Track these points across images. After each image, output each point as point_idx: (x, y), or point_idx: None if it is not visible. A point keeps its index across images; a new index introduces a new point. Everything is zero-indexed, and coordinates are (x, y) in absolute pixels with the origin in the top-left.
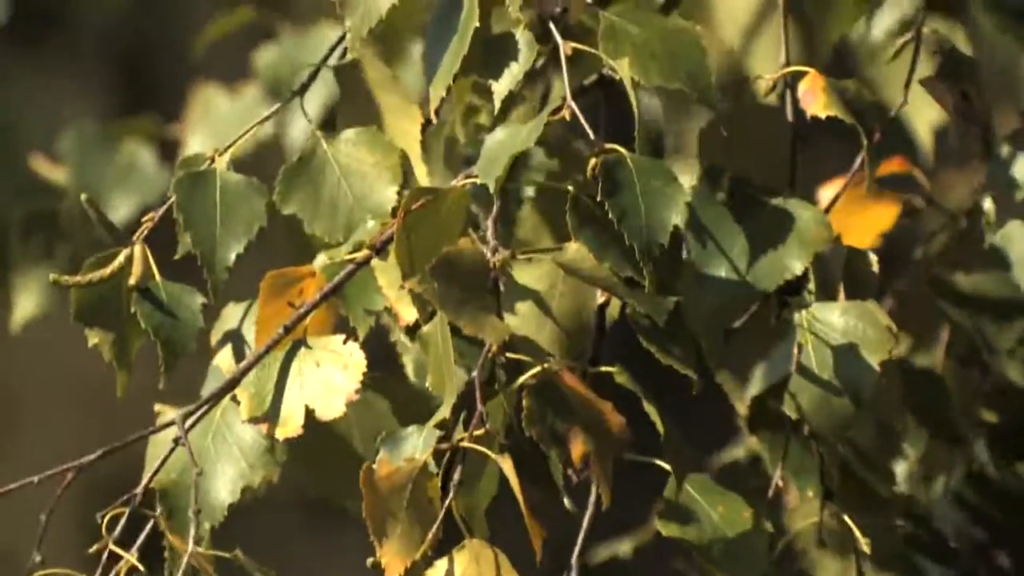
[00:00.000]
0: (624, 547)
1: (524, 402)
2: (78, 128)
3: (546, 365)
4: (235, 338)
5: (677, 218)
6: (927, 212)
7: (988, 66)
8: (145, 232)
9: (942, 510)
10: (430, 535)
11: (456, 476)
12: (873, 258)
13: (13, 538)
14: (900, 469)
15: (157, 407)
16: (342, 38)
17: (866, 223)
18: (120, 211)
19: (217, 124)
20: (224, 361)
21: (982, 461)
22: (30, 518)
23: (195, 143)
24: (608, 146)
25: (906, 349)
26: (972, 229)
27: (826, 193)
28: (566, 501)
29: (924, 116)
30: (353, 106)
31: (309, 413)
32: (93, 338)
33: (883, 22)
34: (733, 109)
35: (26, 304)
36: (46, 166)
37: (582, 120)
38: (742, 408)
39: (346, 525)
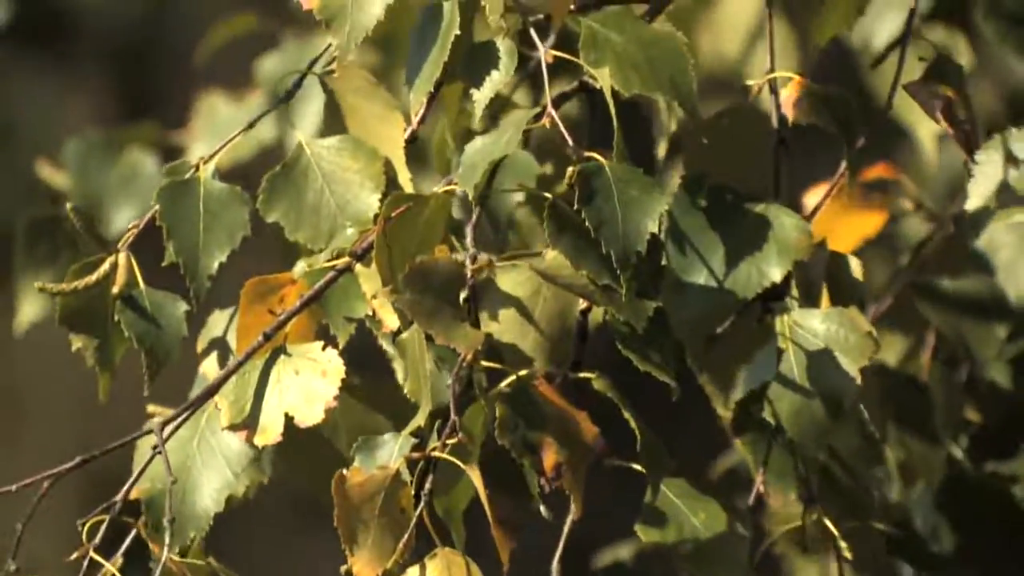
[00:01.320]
0: (626, 552)
1: (497, 411)
2: (81, 135)
3: (522, 373)
4: (220, 345)
5: (654, 226)
6: (915, 217)
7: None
8: (129, 240)
9: (922, 513)
10: (401, 544)
11: (427, 486)
12: (856, 263)
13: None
14: (881, 473)
15: (151, 408)
16: (328, 47)
17: (852, 228)
18: (122, 219)
19: (220, 131)
20: (210, 368)
21: (963, 464)
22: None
23: (198, 150)
24: (588, 154)
25: (896, 355)
26: (959, 234)
27: (811, 198)
28: (542, 509)
29: (927, 124)
30: (338, 113)
31: (288, 420)
32: (77, 343)
33: (886, 30)
34: (719, 115)
35: (29, 308)
36: (50, 172)
37: (562, 128)
38: (724, 412)
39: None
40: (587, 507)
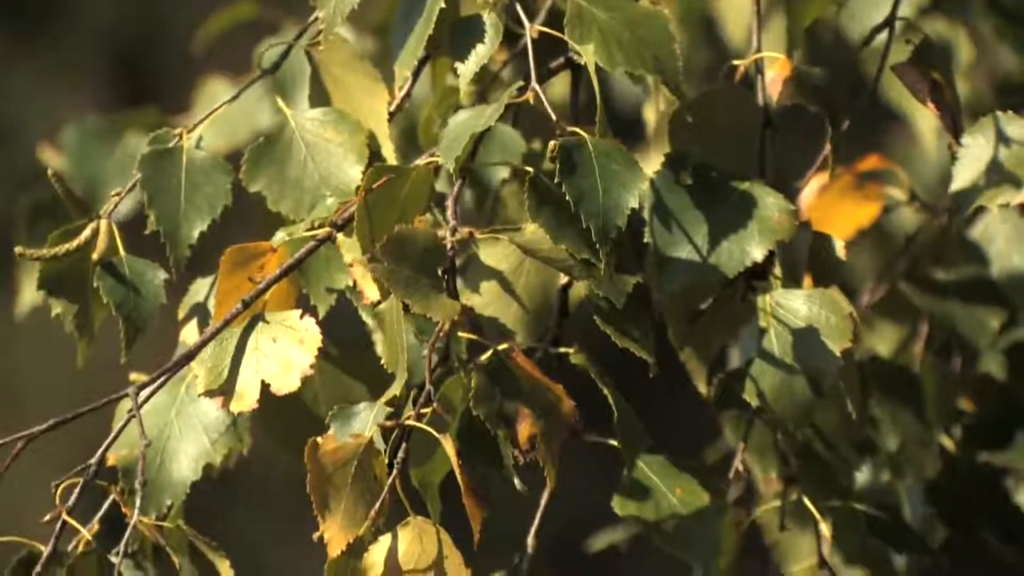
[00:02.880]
0: (621, 536)
1: (473, 381)
2: (81, 120)
3: (501, 346)
4: (200, 312)
5: (634, 201)
6: (909, 208)
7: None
8: (111, 207)
9: (914, 503)
10: (373, 511)
11: (400, 454)
12: (840, 244)
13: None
14: (871, 461)
15: (133, 376)
16: (314, 19)
17: (845, 218)
18: (120, 203)
19: (221, 116)
20: (190, 335)
21: (955, 455)
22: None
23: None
24: (570, 128)
25: (889, 346)
26: (952, 224)
27: (808, 185)
28: (516, 482)
29: (926, 114)
30: (324, 86)
31: (265, 387)
32: (56, 308)
33: (882, 17)
34: (706, 95)
35: (31, 290)
36: (51, 154)
37: (545, 103)
38: (703, 388)
39: None
40: (578, 489)
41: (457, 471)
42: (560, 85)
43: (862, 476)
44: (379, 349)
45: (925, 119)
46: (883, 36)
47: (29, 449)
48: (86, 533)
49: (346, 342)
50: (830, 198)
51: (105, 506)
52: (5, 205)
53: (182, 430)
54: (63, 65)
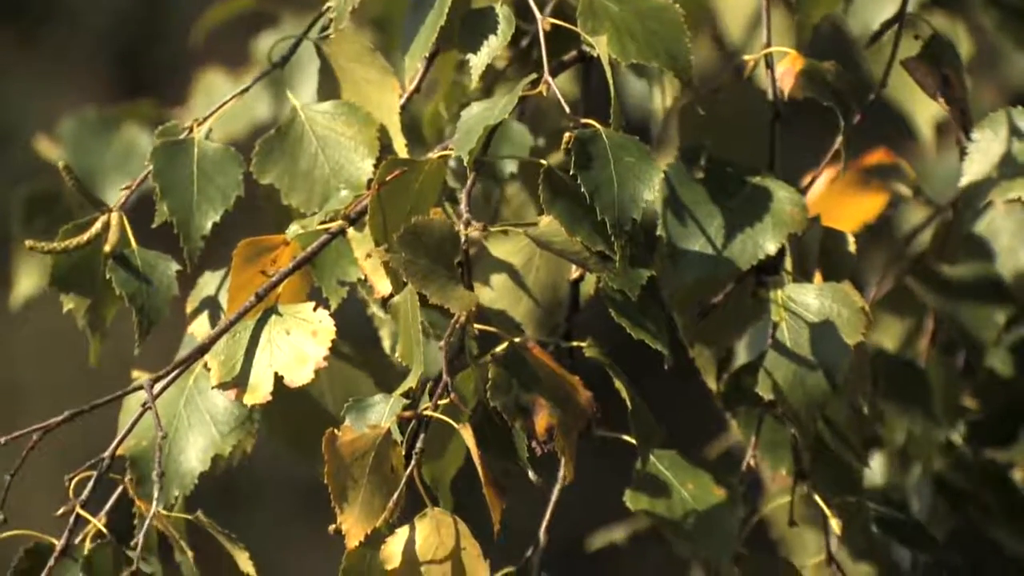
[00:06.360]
0: (620, 534)
1: (490, 372)
2: (78, 112)
3: (516, 339)
4: (210, 305)
5: (650, 193)
6: (914, 203)
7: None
8: (123, 200)
9: (920, 498)
10: (391, 503)
11: (418, 445)
12: (850, 239)
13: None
14: (879, 456)
15: (135, 373)
16: (324, 11)
17: (850, 213)
18: (118, 193)
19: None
20: (199, 328)
21: (961, 449)
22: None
23: None
24: (584, 120)
25: (894, 341)
26: (957, 220)
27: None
28: (531, 474)
29: (925, 111)
30: (334, 79)
31: (278, 380)
32: (68, 304)
33: (884, 16)
34: (716, 89)
35: (26, 282)
36: (48, 146)
37: (558, 94)
38: (713, 384)
39: None
40: (584, 485)
41: (477, 461)
42: (563, 82)
43: (871, 472)
44: (385, 345)
45: (924, 114)
46: (890, 31)
47: (22, 444)
48: (99, 525)
49: (351, 339)
50: (835, 192)
51: (113, 497)
52: (5, 203)
53: (191, 422)
54: (61, 62)
